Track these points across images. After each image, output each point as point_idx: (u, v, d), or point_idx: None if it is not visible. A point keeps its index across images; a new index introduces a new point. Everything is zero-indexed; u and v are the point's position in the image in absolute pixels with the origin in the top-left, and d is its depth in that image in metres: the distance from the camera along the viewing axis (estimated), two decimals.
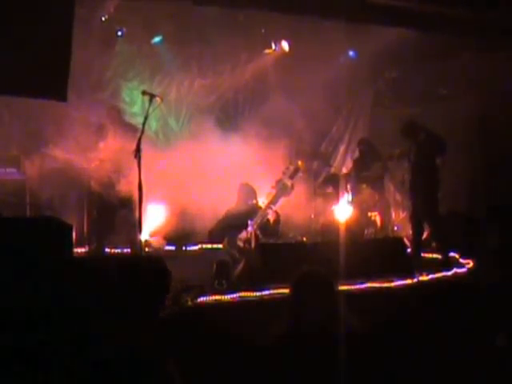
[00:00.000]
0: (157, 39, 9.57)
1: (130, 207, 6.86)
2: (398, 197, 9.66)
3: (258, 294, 5.60)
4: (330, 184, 9.18)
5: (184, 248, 8.41)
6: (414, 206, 7.88)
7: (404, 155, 8.21)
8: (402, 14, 7.79)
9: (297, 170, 6.83)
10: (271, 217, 6.79)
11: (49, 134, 8.04)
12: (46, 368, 3.26)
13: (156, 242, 7.95)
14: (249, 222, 6.70)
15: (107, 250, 7.81)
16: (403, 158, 8.31)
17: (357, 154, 9.93)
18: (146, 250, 7.34)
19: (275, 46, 10.13)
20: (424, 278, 6.54)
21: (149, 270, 3.08)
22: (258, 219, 6.68)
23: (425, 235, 8.19)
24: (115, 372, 2.71)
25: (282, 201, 6.83)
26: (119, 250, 7.74)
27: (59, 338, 3.58)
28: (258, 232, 6.71)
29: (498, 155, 9.22)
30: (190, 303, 5.11)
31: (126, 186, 7.14)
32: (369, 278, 6.05)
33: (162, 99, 6.35)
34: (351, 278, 5.75)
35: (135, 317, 2.93)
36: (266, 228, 6.78)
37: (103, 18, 8.92)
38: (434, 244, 8.15)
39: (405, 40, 8.99)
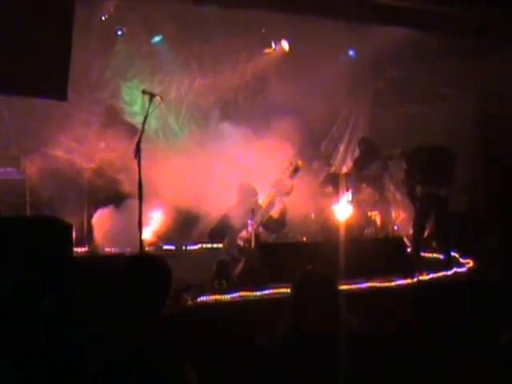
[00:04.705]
0: (157, 39, 9.58)
1: (130, 206, 6.85)
2: (398, 196, 9.65)
3: (258, 293, 5.58)
4: (330, 183, 9.15)
5: (184, 248, 8.40)
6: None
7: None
8: (402, 13, 7.78)
9: (296, 170, 6.80)
10: (277, 209, 6.77)
11: (49, 134, 8.05)
12: (46, 368, 3.26)
13: (153, 240, 7.94)
14: (249, 222, 6.69)
15: (107, 249, 7.80)
16: (403, 158, 8.30)
17: (357, 153, 9.93)
18: (146, 249, 7.33)
19: (275, 45, 10.15)
20: (424, 277, 6.54)
21: (149, 269, 3.08)
22: (258, 218, 6.66)
23: (425, 235, 8.19)
24: (115, 372, 2.71)
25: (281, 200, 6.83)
26: (119, 250, 7.72)
27: (59, 337, 3.58)
28: (262, 229, 6.70)
29: (498, 155, 9.22)
30: (190, 303, 5.11)
31: (126, 186, 7.15)
32: (369, 278, 6.05)
33: (162, 98, 6.34)
34: (351, 277, 5.74)
35: (136, 317, 2.93)
36: (270, 224, 6.77)
37: (103, 18, 8.93)
38: (434, 244, 8.14)
39: (405, 40, 8.99)
